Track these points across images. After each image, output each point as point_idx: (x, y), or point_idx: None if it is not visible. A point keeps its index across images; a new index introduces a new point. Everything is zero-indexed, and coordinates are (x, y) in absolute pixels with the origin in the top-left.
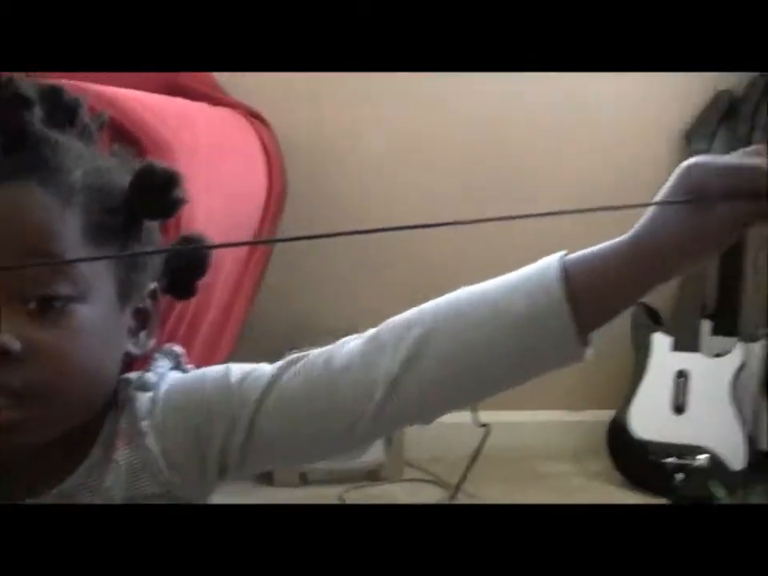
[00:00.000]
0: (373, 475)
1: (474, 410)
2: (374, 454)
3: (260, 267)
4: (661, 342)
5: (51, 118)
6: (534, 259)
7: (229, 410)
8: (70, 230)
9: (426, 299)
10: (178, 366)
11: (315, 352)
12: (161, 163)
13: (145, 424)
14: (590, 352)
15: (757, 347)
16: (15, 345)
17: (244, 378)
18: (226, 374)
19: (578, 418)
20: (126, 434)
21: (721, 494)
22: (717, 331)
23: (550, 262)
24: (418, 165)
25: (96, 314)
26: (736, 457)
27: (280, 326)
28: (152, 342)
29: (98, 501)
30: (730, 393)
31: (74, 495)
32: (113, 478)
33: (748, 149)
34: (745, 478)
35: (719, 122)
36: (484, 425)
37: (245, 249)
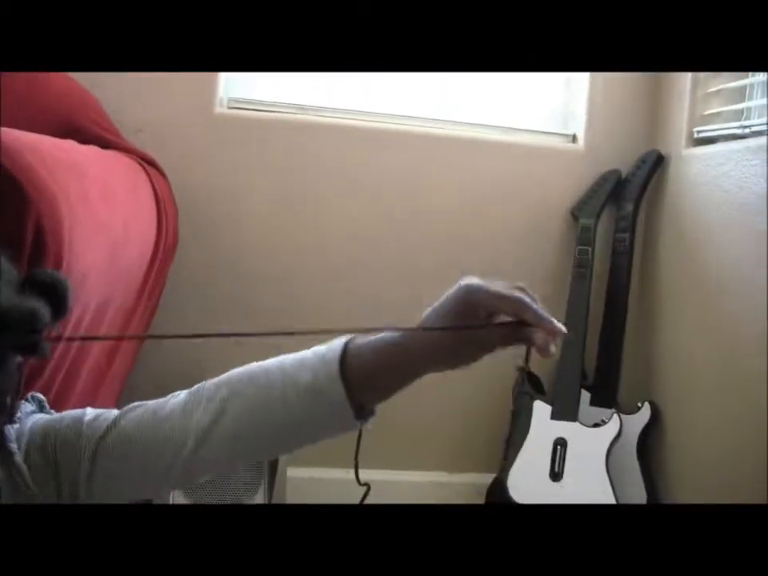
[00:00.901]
0: None
1: (356, 467)
2: (257, 501)
3: (147, 316)
4: (541, 409)
5: None
6: None
7: (78, 443)
8: None
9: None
10: (41, 410)
11: (152, 402)
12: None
13: (13, 446)
14: (372, 420)
15: (633, 419)
16: None
17: (95, 419)
18: (83, 414)
19: (458, 480)
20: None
21: None
22: (595, 402)
23: (337, 344)
24: (306, 220)
25: None
26: None
27: (166, 377)
28: (18, 405)
29: None
30: (605, 462)
31: None
32: None
33: (513, 284)
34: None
35: (606, 199)
36: (365, 484)
37: (129, 299)
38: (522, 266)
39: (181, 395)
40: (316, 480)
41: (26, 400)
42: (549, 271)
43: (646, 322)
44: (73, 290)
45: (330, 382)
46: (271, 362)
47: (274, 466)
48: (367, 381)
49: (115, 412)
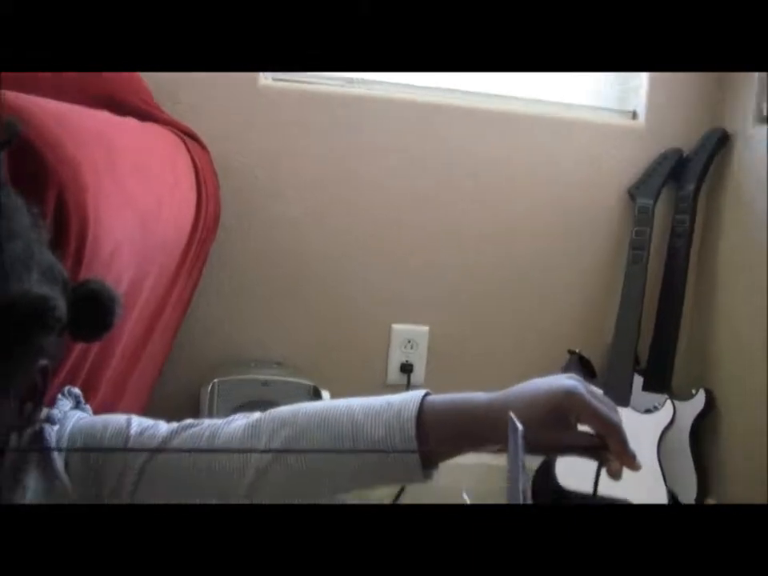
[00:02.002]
0: None
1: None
2: None
3: (182, 303)
4: None
5: None
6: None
7: (122, 458)
8: None
9: (345, 335)
10: (77, 406)
11: (206, 423)
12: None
13: (53, 453)
14: (435, 474)
15: (687, 406)
16: None
17: (141, 433)
18: (127, 425)
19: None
20: (36, 459)
21: None
22: (647, 387)
23: (411, 399)
24: (352, 197)
25: None
26: None
27: (206, 357)
28: (39, 413)
29: None
30: (657, 449)
31: None
32: (18, 499)
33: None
34: None
35: (665, 179)
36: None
37: (166, 276)
38: (576, 246)
39: (240, 421)
40: None
41: (62, 395)
42: (604, 252)
43: (703, 307)
44: (120, 301)
45: (405, 444)
46: (338, 407)
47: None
48: (446, 443)
49: (163, 427)
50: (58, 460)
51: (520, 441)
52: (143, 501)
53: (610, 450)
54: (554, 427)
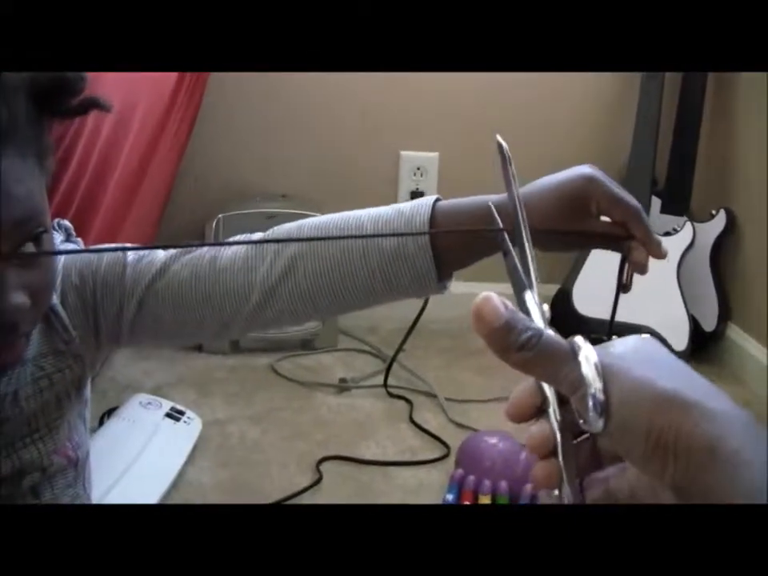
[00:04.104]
0: (307, 344)
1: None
2: (309, 323)
3: (180, 135)
4: None
5: None
6: None
7: (121, 285)
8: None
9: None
10: (68, 239)
11: (206, 247)
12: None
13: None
14: (449, 284)
15: (707, 227)
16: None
17: (138, 260)
18: (123, 254)
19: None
20: None
21: None
22: (666, 210)
23: (422, 205)
24: None
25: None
26: (679, 337)
27: (209, 192)
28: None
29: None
30: (677, 273)
31: None
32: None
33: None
34: (687, 359)
35: None
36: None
37: (159, 107)
38: None
39: (240, 245)
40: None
41: (53, 228)
42: None
43: (722, 123)
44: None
45: (419, 250)
46: (346, 218)
47: None
48: (455, 251)
49: (161, 254)
50: (54, 296)
51: (512, 170)
52: (142, 335)
53: (634, 237)
54: (574, 217)
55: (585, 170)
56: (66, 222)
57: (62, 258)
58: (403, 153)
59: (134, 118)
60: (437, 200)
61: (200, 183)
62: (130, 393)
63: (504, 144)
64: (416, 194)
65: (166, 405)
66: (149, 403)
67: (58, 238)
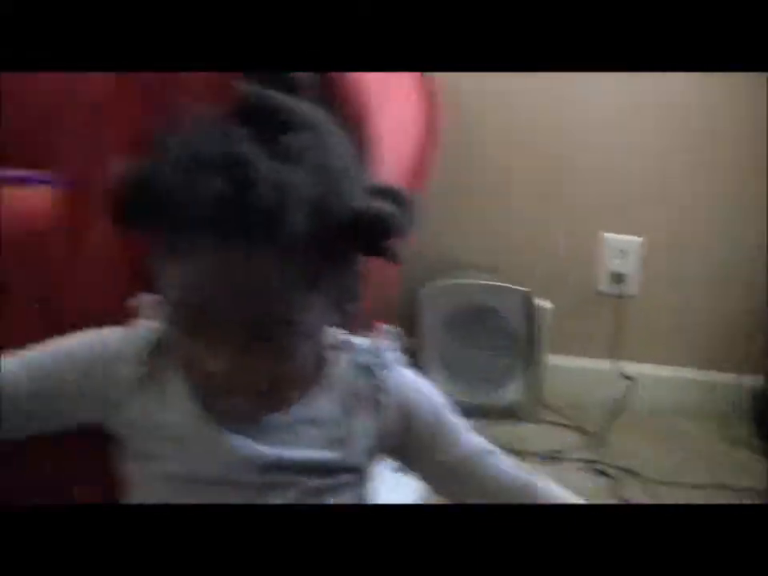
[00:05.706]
0: (508, 413)
1: (616, 359)
2: (513, 391)
3: None
4: None
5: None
6: None
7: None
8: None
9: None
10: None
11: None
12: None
13: (384, 398)
14: None
15: None
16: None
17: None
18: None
19: (723, 380)
20: (364, 395)
21: None
22: None
23: None
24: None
25: None
26: None
27: (423, 260)
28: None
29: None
30: None
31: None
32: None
33: None
34: None
35: None
36: (629, 377)
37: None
38: None
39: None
40: (577, 369)
41: (387, 335)
42: None
43: None
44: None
45: None
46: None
47: (530, 353)
48: None
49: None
50: (382, 412)
51: None
52: None
53: None
54: None
55: None
56: (396, 329)
57: (399, 374)
58: (607, 235)
59: None
60: None
61: (414, 251)
62: None
63: None
64: (617, 276)
65: None
66: None
67: (394, 347)
